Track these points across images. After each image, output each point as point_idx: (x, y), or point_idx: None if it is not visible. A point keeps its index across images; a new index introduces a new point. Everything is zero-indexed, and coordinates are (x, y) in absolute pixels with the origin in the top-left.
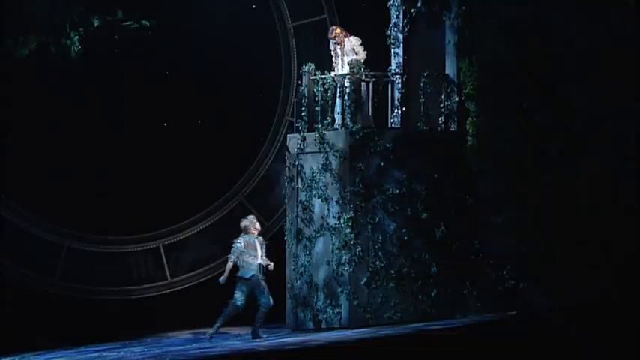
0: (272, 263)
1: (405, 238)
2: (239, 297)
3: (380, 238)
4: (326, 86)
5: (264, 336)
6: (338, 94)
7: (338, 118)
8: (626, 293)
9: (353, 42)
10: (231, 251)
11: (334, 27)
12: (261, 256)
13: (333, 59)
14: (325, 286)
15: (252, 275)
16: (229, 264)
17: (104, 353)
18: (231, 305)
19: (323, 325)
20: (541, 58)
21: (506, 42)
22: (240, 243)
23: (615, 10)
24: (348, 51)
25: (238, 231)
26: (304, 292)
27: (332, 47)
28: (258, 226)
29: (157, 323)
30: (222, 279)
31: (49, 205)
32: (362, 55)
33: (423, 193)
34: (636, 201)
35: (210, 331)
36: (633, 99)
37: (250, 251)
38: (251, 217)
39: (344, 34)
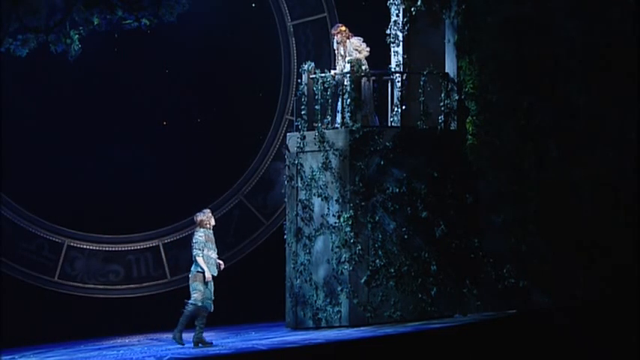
0: (223, 263)
1: (405, 236)
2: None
3: (380, 236)
4: (326, 85)
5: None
6: (338, 93)
7: (339, 116)
8: (626, 293)
9: (355, 43)
10: (196, 246)
11: (340, 25)
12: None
13: (336, 57)
14: (325, 284)
15: (217, 271)
16: (200, 259)
17: (104, 352)
18: (194, 307)
19: (323, 324)
20: (541, 57)
21: (506, 41)
22: (202, 237)
23: (615, 9)
24: (350, 51)
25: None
26: (304, 290)
27: (335, 46)
28: (213, 221)
29: (156, 322)
30: (208, 276)
31: (49, 205)
32: (364, 52)
33: (422, 191)
34: (636, 201)
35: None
36: (633, 99)
37: (210, 245)
38: (207, 211)
39: (346, 34)
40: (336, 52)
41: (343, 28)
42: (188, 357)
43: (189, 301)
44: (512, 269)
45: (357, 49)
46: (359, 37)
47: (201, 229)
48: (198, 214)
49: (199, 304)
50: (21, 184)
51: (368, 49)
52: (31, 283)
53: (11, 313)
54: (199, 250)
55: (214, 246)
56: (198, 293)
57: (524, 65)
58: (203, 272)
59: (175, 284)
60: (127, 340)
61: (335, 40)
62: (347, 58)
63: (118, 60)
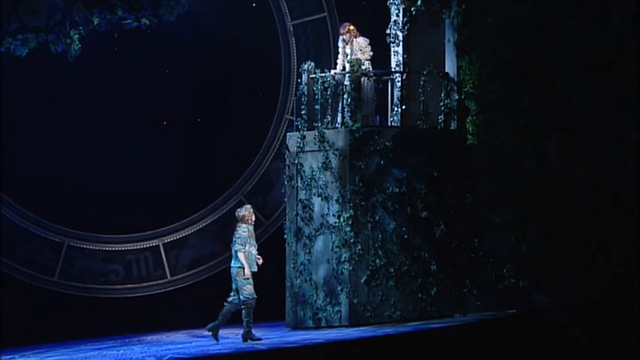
0: (261, 258)
1: (405, 236)
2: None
3: (380, 236)
4: (326, 85)
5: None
6: (339, 93)
7: (339, 116)
8: (626, 293)
9: (361, 43)
10: (239, 242)
11: (348, 23)
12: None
13: (340, 56)
14: (325, 284)
15: (257, 267)
16: (242, 255)
17: (104, 352)
18: (252, 300)
19: (323, 324)
20: (541, 57)
21: (506, 40)
22: (245, 232)
23: (615, 9)
24: (355, 51)
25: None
26: (304, 290)
27: (340, 44)
28: (254, 217)
29: (156, 322)
30: (248, 273)
31: (49, 205)
32: (367, 54)
33: (422, 191)
34: (636, 201)
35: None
36: (633, 99)
37: (252, 241)
38: (248, 206)
39: (354, 33)
40: (340, 50)
41: (352, 27)
42: (188, 357)
43: (243, 297)
44: (512, 269)
45: (361, 49)
46: (365, 38)
47: (244, 225)
48: (239, 209)
49: (255, 296)
50: (21, 184)
51: (371, 53)
52: (31, 283)
53: (11, 313)
54: (242, 245)
55: (255, 242)
56: (249, 286)
57: (524, 65)
58: (243, 268)
59: (175, 284)
60: (126, 340)
61: (341, 39)
62: (348, 58)
63: (118, 60)
